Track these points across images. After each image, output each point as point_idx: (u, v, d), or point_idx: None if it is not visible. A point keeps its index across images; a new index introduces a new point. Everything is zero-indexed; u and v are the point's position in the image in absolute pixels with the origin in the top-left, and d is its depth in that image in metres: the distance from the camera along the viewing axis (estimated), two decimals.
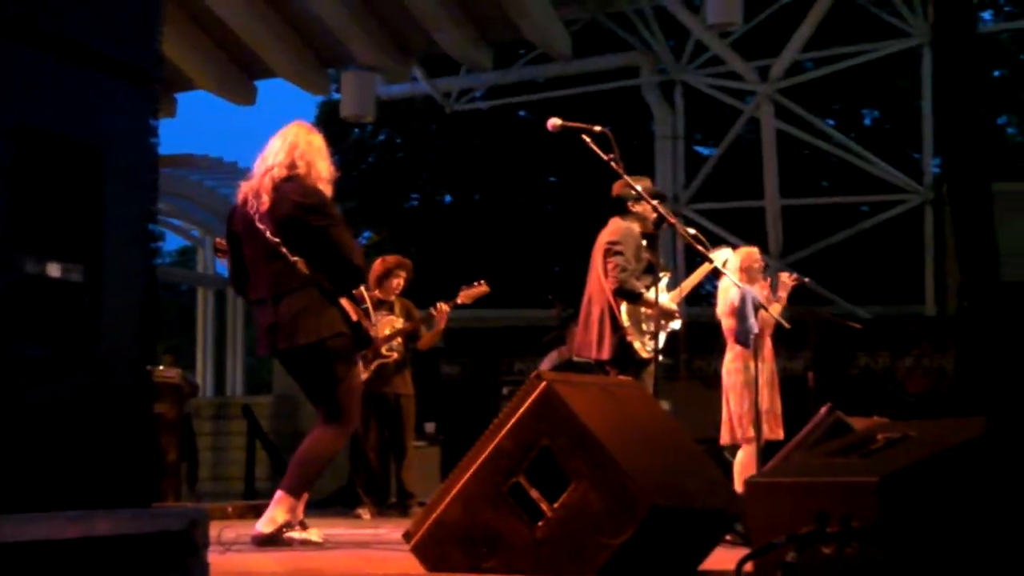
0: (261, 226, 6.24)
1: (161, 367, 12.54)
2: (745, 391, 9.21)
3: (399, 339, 10.52)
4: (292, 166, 6.31)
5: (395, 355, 10.50)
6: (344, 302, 6.30)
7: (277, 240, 6.21)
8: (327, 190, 6.41)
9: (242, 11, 15.58)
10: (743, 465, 9.06)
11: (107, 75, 2.47)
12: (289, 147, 6.37)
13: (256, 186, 6.32)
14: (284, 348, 6.26)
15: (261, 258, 6.30)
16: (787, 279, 9.76)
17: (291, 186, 6.26)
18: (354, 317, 6.31)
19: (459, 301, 10.37)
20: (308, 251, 6.22)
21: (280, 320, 6.21)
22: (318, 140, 6.52)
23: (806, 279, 9.98)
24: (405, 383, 10.67)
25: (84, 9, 2.42)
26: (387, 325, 10.46)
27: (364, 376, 10.32)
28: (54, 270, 2.33)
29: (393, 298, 10.61)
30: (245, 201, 6.34)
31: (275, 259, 6.23)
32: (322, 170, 6.41)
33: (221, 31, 16.17)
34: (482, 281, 10.37)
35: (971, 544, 3.40)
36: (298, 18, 16.13)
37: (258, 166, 6.39)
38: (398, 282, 10.59)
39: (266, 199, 6.24)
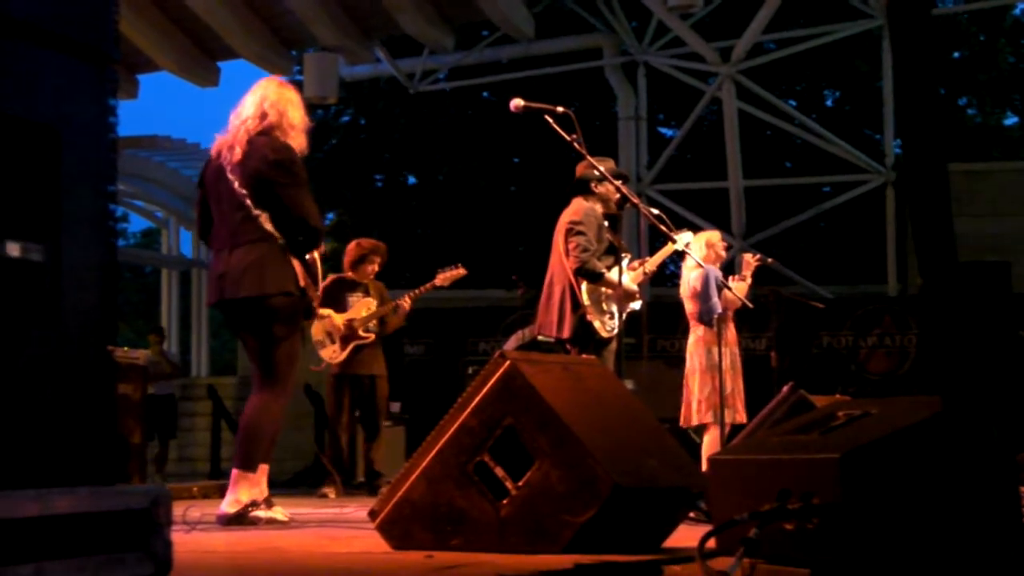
0: (231, 177, 6.27)
1: (147, 350, 12.56)
2: (707, 376, 9.26)
3: (375, 321, 10.57)
4: (263, 116, 6.34)
5: (372, 336, 10.56)
6: (296, 265, 6.29)
7: (244, 192, 6.23)
8: (301, 140, 6.43)
9: None
10: (708, 448, 9.10)
11: (63, 55, 2.46)
12: (260, 99, 6.41)
13: (231, 139, 6.35)
14: (229, 298, 6.27)
15: (227, 208, 6.32)
16: (751, 259, 9.81)
17: (264, 140, 6.28)
18: (302, 283, 6.29)
19: (436, 283, 10.47)
20: (272, 207, 6.23)
21: (230, 269, 6.23)
22: (290, 92, 6.55)
23: (769, 259, 10.03)
24: (380, 364, 10.76)
25: None
26: (364, 307, 10.53)
27: (341, 357, 10.41)
28: (14, 250, 2.33)
29: (368, 281, 10.67)
30: (219, 153, 6.38)
31: (239, 210, 6.26)
32: (294, 119, 6.43)
33: (183, 13, 16.10)
34: (459, 264, 10.49)
35: (931, 519, 3.44)
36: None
37: (233, 121, 6.43)
38: (372, 267, 10.66)
39: (239, 151, 6.27)
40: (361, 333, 10.51)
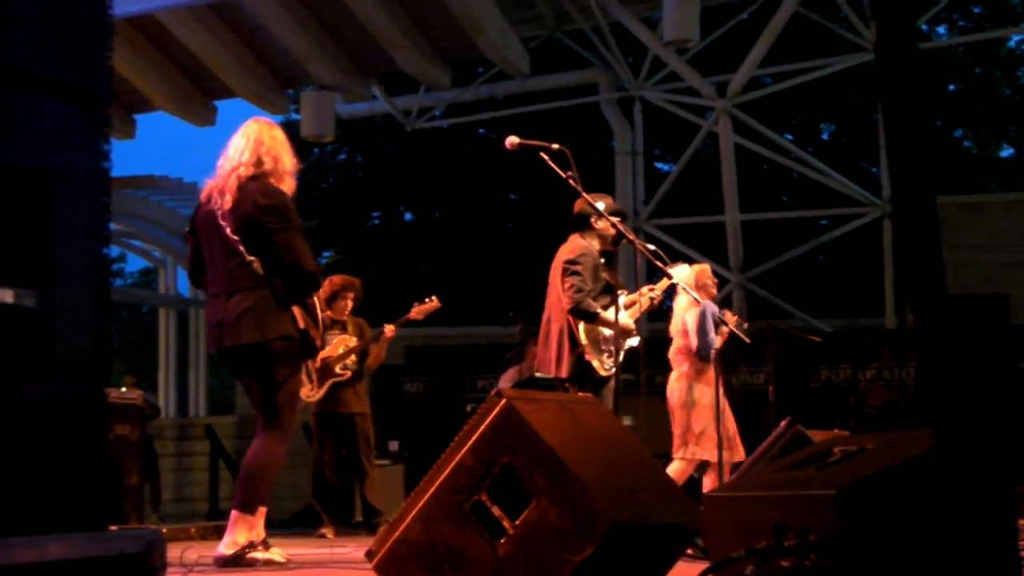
0: (223, 223, 6.27)
1: (124, 388, 12.50)
2: (681, 411, 9.25)
3: (353, 357, 10.54)
4: (259, 163, 6.33)
5: (348, 374, 10.52)
6: (295, 308, 6.29)
7: (236, 238, 6.23)
8: (291, 183, 6.45)
9: (200, 32, 15.58)
10: (708, 486, 9.07)
11: (56, 100, 2.47)
12: (255, 144, 6.38)
13: (221, 184, 6.34)
14: (228, 345, 6.27)
15: (219, 254, 6.32)
16: (729, 318, 9.63)
17: (255, 185, 6.28)
18: (301, 324, 6.29)
19: (411, 317, 10.44)
20: (265, 252, 6.23)
21: (227, 317, 6.23)
22: (280, 134, 6.55)
23: (746, 323, 9.94)
24: (360, 401, 10.70)
25: (30, 34, 2.42)
26: (340, 344, 10.50)
27: (318, 396, 10.36)
28: (7, 296, 2.33)
29: (345, 317, 10.66)
30: (209, 198, 6.37)
31: (232, 256, 6.25)
32: (287, 164, 6.46)
33: (180, 52, 16.16)
34: (433, 297, 10.47)
35: (928, 554, 3.43)
36: (256, 38, 16.13)
37: (223, 165, 6.41)
38: (346, 303, 10.64)
39: (230, 198, 6.27)
40: (337, 371, 10.49)
